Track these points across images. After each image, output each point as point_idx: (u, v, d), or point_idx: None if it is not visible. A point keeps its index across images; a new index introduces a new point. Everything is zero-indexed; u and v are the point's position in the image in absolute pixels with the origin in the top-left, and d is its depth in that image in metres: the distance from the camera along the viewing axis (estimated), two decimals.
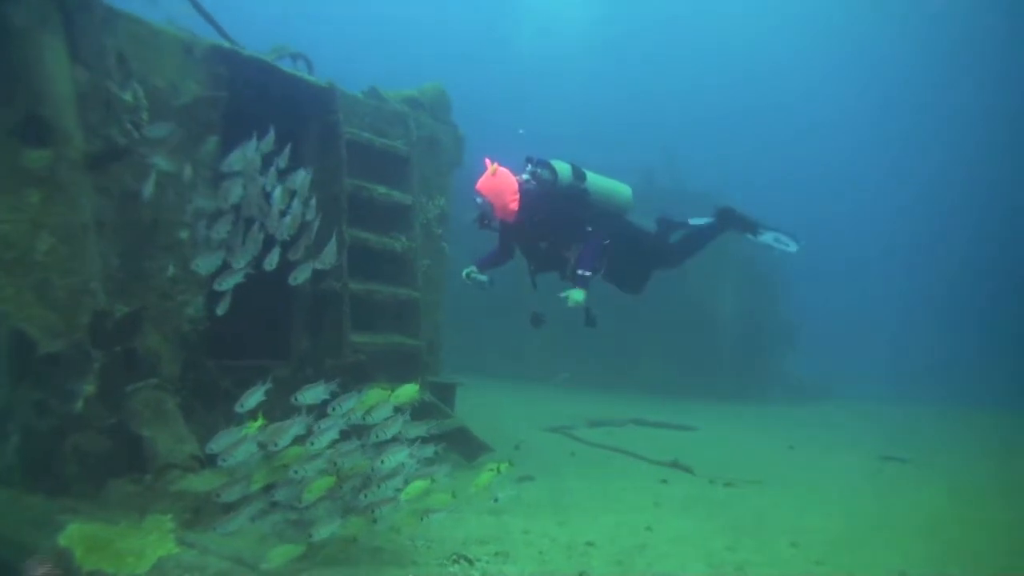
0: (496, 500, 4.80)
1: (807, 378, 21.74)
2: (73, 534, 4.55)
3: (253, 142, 5.33)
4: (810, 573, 4.89)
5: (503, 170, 6.83)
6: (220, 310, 5.24)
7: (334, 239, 5.67)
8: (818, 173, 55.05)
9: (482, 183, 6.77)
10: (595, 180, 7.15)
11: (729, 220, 7.54)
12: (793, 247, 7.49)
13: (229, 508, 4.60)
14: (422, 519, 4.47)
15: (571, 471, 7.70)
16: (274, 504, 4.52)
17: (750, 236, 7.54)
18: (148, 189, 5.27)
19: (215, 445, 4.42)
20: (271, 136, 5.38)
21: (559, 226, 6.92)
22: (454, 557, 4.52)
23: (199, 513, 4.69)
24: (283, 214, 5.44)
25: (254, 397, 4.56)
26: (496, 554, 4.67)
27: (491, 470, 4.70)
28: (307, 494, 4.39)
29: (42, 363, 4.76)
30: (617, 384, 16.47)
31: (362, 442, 4.63)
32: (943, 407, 19.08)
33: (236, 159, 5.28)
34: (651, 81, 50.63)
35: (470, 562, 4.49)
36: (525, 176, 6.88)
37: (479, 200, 6.80)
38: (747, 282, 19.57)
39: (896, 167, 55.59)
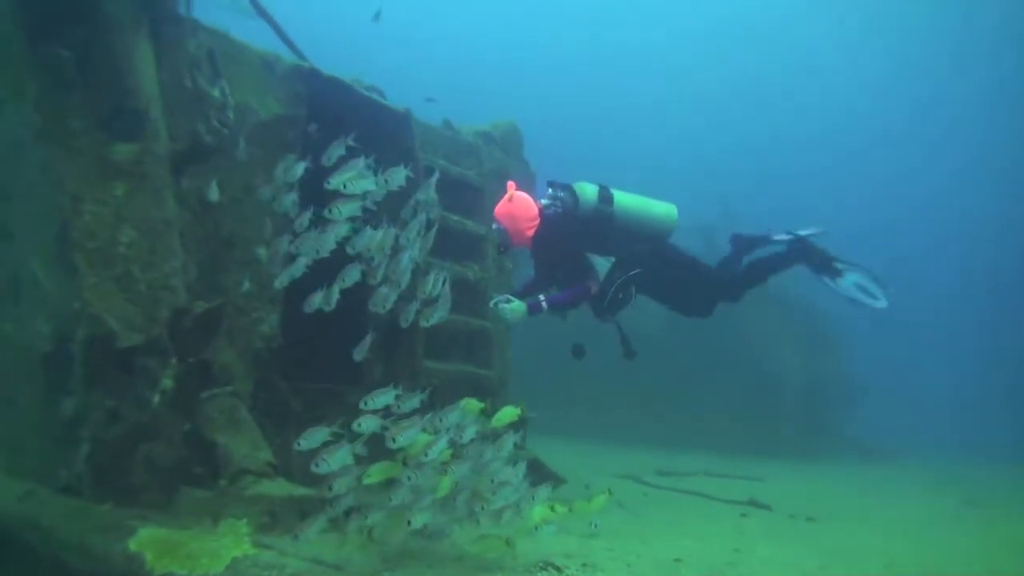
0: (595, 526, 4.73)
1: (871, 439, 20.98)
2: (144, 538, 4.38)
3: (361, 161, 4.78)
4: None
5: (520, 195, 6.59)
6: (326, 303, 4.83)
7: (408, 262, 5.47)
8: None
9: (498, 209, 6.55)
10: (626, 202, 6.73)
11: (803, 253, 7.12)
12: (882, 302, 7.00)
13: (305, 514, 4.42)
14: (536, 529, 4.33)
15: (646, 507, 7.38)
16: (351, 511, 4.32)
17: (828, 280, 7.06)
18: (214, 194, 5.20)
19: (305, 442, 4.22)
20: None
21: (565, 259, 6.64)
22: (541, 564, 4.27)
23: (276, 518, 4.50)
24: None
25: (317, 436, 4.28)
26: (583, 565, 4.43)
27: (604, 493, 4.68)
28: (368, 477, 4.28)
29: (119, 358, 4.65)
30: (677, 440, 15.99)
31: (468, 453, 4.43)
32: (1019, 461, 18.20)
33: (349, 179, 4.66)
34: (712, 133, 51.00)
35: (558, 570, 4.23)
36: (545, 201, 6.65)
37: (494, 227, 6.61)
38: (810, 338, 19.13)
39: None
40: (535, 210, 6.57)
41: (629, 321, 6.79)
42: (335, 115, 6.28)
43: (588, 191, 6.66)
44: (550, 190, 6.72)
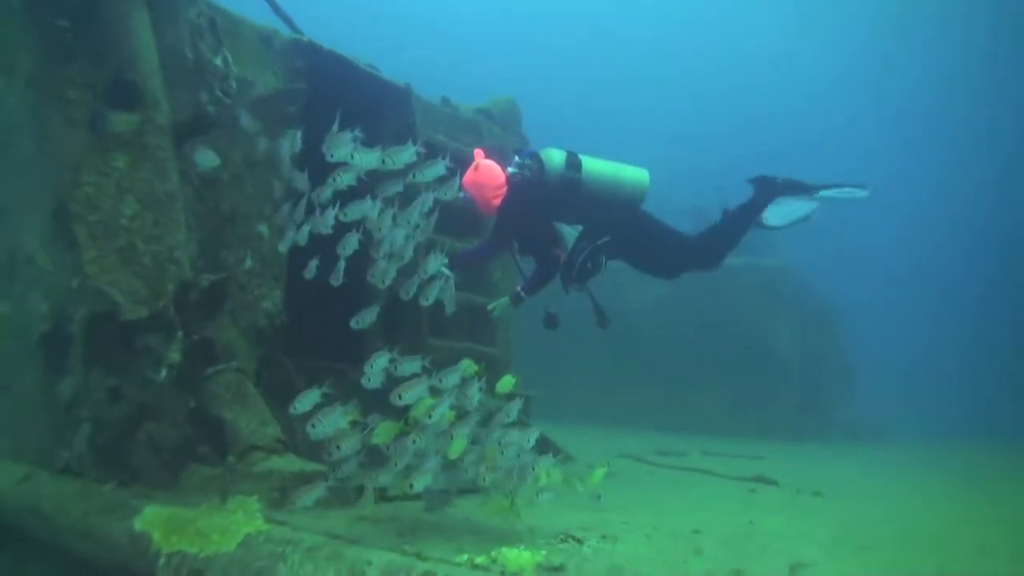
0: (600, 498, 4.66)
1: (866, 419, 21.01)
2: (149, 517, 4.27)
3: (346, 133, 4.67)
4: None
5: (487, 163, 6.42)
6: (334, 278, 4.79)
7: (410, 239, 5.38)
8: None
9: (465, 178, 6.28)
10: (594, 168, 6.44)
11: (769, 190, 6.69)
12: (863, 192, 6.60)
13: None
14: (537, 496, 4.27)
15: (653, 484, 7.33)
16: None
17: (806, 197, 6.65)
18: (210, 161, 5.07)
19: (299, 405, 4.16)
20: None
21: (533, 228, 6.52)
22: (561, 537, 4.20)
23: (286, 494, 4.39)
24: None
25: (308, 399, 4.23)
26: (603, 537, 4.34)
27: (604, 466, 4.69)
28: (378, 436, 4.22)
29: (121, 334, 4.55)
30: (673, 423, 15.91)
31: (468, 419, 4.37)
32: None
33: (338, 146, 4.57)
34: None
35: (579, 541, 4.15)
36: (512, 169, 6.45)
37: (461, 195, 6.22)
38: (805, 318, 19.13)
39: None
40: (502, 178, 6.40)
41: (620, 302, 6.69)
42: (334, 90, 6.17)
43: (555, 157, 6.42)
44: (516, 158, 6.53)
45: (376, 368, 4.32)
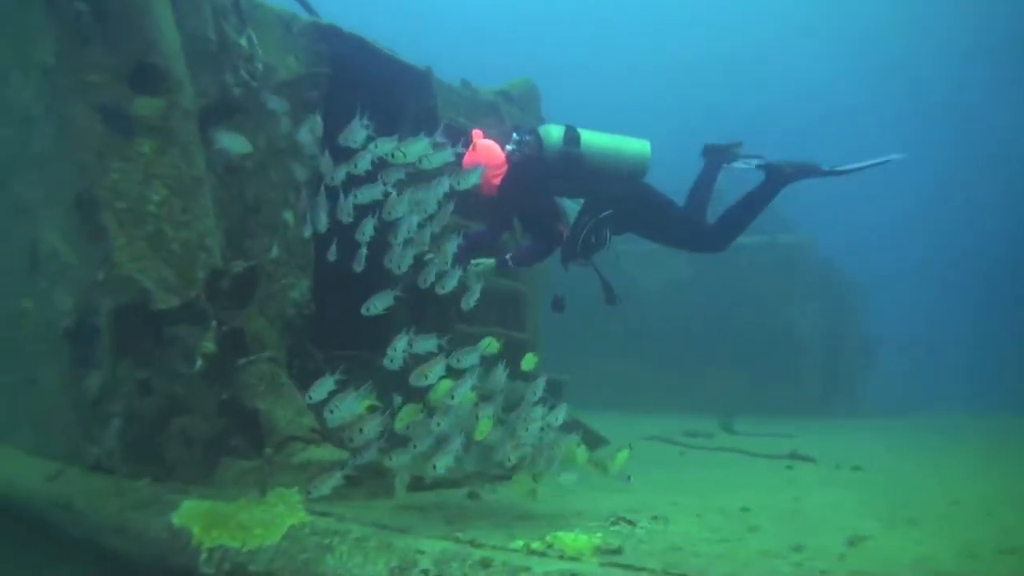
0: (629, 479, 4.49)
1: (888, 395, 20.90)
2: (188, 511, 4.17)
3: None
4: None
5: (485, 142, 6.23)
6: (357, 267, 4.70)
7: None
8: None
9: (465, 159, 6.07)
10: (594, 142, 6.23)
11: (782, 177, 6.41)
12: (895, 156, 6.32)
13: (358, 481, 4.24)
14: (559, 477, 4.21)
15: (689, 464, 7.19)
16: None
17: (825, 172, 6.38)
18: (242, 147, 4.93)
19: (314, 393, 4.06)
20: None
21: (534, 204, 6.36)
22: (612, 519, 4.09)
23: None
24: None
25: (323, 386, 4.12)
26: (653, 518, 4.23)
27: (626, 448, 4.59)
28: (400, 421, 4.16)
29: (150, 325, 4.42)
30: (694, 405, 15.69)
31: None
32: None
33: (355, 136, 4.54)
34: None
35: (630, 523, 4.05)
36: (510, 147, 6.26)
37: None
38: (826, 296, 18.98)
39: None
40: (502, 157, 6.23)
41: (636, 285, 6.51)
42: (356, 74, 6.05)
43: (553, 132, 6.23)
44: (515, 135, 6.34)
45: (398, 350, 4.23)
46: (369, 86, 5.87)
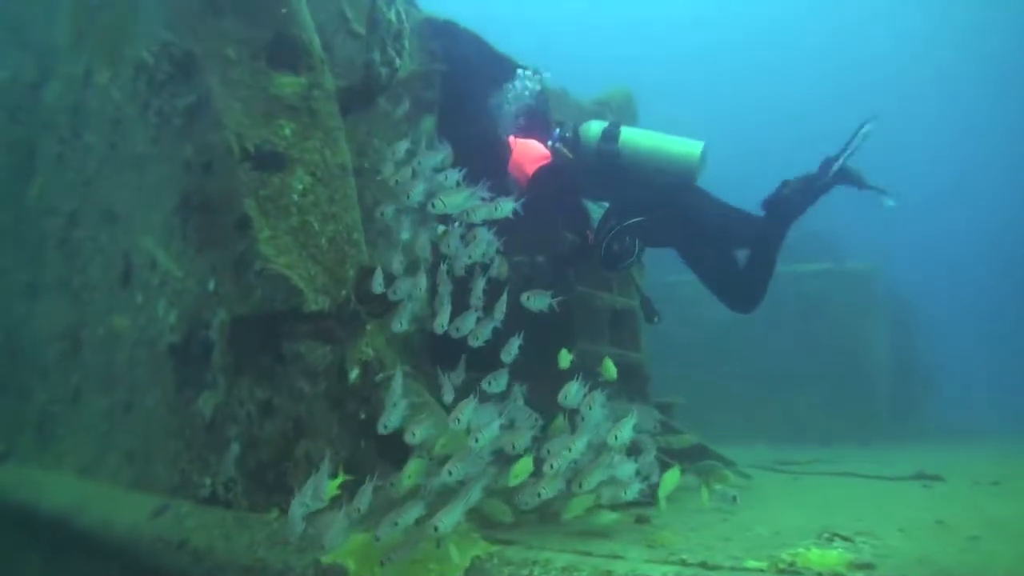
0: (735, 499, 4.39)
1: (954, 417, 20.47)
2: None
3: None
4: None
5: (524, 142, 5.96)
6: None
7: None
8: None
9: (509, 164, 5.91)
10: (634, 139, 5.68)
11: (791, 209, 5.62)
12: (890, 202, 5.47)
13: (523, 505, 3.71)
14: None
15: (811, 488, 6.60)
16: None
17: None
18: None
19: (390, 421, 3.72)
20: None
21: (563, 204, 6.01)
22: (827, 536, 3.59)
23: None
24: None
25: (398, 411, 3.73)
26: (858, 533, 3.72)
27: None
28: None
29: (275, 335, 3.92)
30: (772, 434, 15.26)
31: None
32: None
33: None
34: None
35: (845, 539, 3.55)
36: (551, 143, 5.91)
37: (507, 181, 5.86)
38: (895, 320, 18.75)
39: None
40: (542, 150, 5.93)
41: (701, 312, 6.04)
42: (467, 73, 5.65)
43: (592, 128, 5.78)
44: (557, 130, 5.98)
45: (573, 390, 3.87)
46: (480, 87, 5.47)
